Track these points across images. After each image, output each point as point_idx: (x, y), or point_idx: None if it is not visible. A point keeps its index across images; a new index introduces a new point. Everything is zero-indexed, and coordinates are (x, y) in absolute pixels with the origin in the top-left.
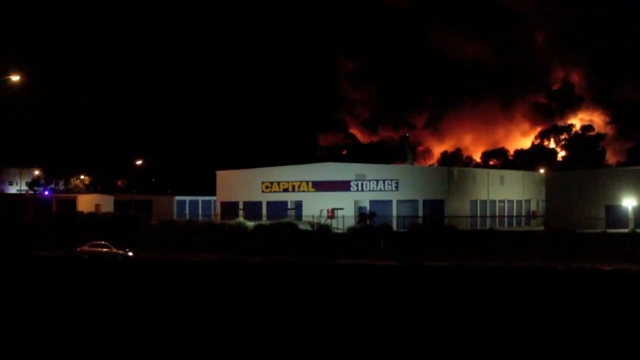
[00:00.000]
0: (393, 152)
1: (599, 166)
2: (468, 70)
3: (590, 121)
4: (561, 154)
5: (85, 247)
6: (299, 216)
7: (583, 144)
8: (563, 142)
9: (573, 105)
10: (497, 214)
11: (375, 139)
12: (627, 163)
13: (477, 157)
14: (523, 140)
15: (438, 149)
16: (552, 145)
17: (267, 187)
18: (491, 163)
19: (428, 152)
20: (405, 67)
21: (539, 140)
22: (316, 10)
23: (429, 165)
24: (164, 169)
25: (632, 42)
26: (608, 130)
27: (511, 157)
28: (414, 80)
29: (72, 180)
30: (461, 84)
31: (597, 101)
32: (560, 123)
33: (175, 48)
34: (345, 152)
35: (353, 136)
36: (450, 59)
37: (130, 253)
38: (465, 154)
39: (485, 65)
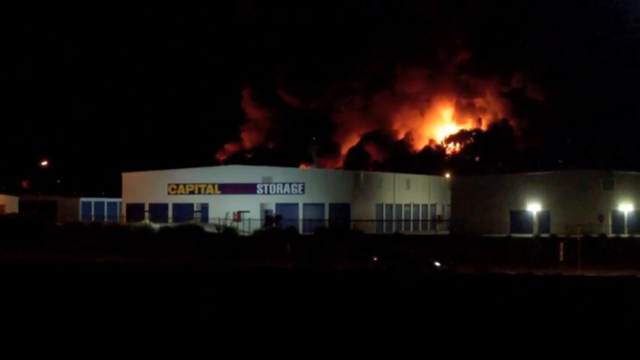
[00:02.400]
0: (299, 155)
1: (506, 170)
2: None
3: (496, 123)
4: (467, 158)
5: None
6: (205, 218)
7: (489, 148)
8: (469, 146)
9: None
10: (403, 218)
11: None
12: (534, 168)
13: (383, 161)
14: (430, 143)
15: (344, 151)
16: (458, 149)
17: (173, 189)
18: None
19: (335, 155)
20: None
21: (445, 145)
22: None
23: (335, 168)
24: (69, 170)
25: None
26: (515, 134)
27: (417, 161)
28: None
29: None
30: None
31: (504, 103)
32: (466, 127)
33: (82, 46)
34: (250, 156)
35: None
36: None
37: None
38: (372, 157)
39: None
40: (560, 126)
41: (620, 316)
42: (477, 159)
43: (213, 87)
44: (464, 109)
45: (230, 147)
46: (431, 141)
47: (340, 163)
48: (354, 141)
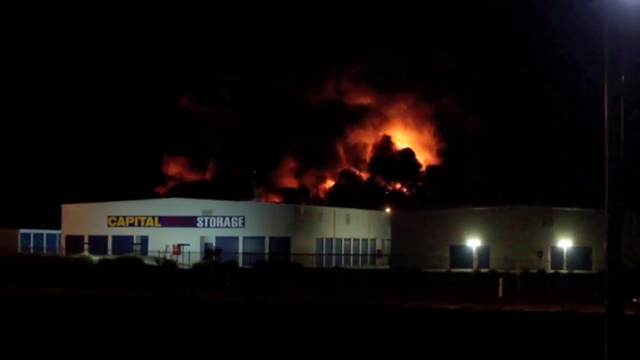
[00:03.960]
0: (239, 189)
1: (446, 205)
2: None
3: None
4: (407, 193)
5: None
6: (145, 251)
7: (429, 184)
8: (409, 184)
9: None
10: (342, 252)
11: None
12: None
13: (324, 196)
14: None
15: (285, 185)
16: (398, 185)
17: (113, 222)
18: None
19: (275, 189)
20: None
21: (384, 182)
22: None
23: (276, 202)
24: (8, 202)
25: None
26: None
27: (357, 196)
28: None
29: None
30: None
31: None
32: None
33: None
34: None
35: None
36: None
37: None
38: (312, 191)
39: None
40: (500, 162)
41: (554, 351)
42: (418, 194)
43: (153, 117)
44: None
45: (170, 179)
46: (372, 175)
47: (281, 197)
48: (295, 175)
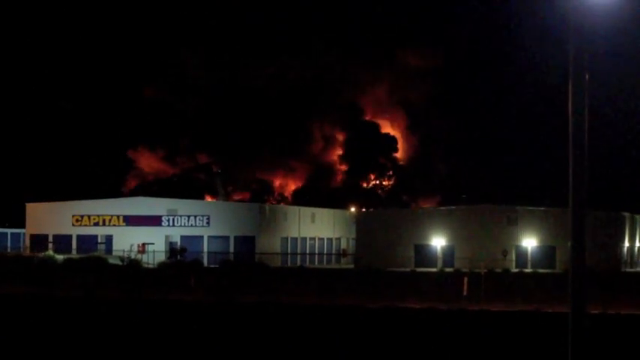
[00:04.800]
0: (204, 188)
1: (411, 204)
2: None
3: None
4: (373, 192)
5: None
6: (109, 250)
7: (395, 183)
8: (374, 182)
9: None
10: (307, 251)
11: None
12: (438, 203)
13: (289, 195)
14: (335, 178)
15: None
16: (365, 184)
17: (77, 221)
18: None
19: (240, 188)
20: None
21: (351, 180)
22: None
23: (241, 201)
24: None
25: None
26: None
27: (323, 195)
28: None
29: None
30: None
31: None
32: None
33: None
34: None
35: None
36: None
37: None
38: (277, 191)
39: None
40: (464, 161)
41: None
42: (382, 193)
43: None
44: None
45: (134, 178)
46: (337, 175)
47: (246, 196)
48: (259, 174)
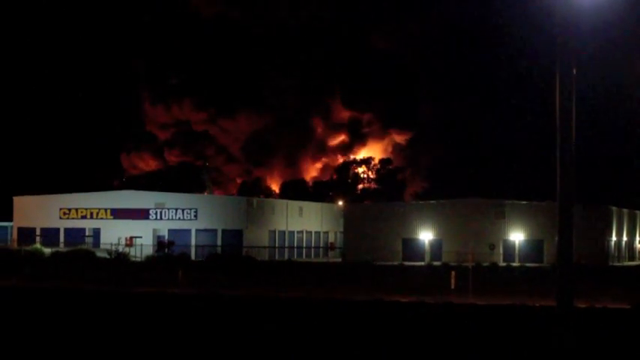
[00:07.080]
0: (192, 181)
1: (400, 198)
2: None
3: (386, 152)
4: (360, 186)
5: None
6: (97, 243)
7: (382, 177)
8: (362, 175)
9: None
10: (295, 244)
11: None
12: (426, 197)
13: (277, 188)
14: (323, 172)
15: (237, 178)
16: (350, 178)
17: (65, 214)
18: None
19: (228, 181)
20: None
21: (337, 174)
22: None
23: (229, 195)
24: None
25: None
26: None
27: (310, 189)
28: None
29: None
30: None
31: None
32: (355, 156)
33: None
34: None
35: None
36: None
37: None
38: (265, 184)
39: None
40: (453, 154)
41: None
42: (370, 187)
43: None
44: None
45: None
46: (324, 169)
47: (234, 190)
48: (247, 167)
